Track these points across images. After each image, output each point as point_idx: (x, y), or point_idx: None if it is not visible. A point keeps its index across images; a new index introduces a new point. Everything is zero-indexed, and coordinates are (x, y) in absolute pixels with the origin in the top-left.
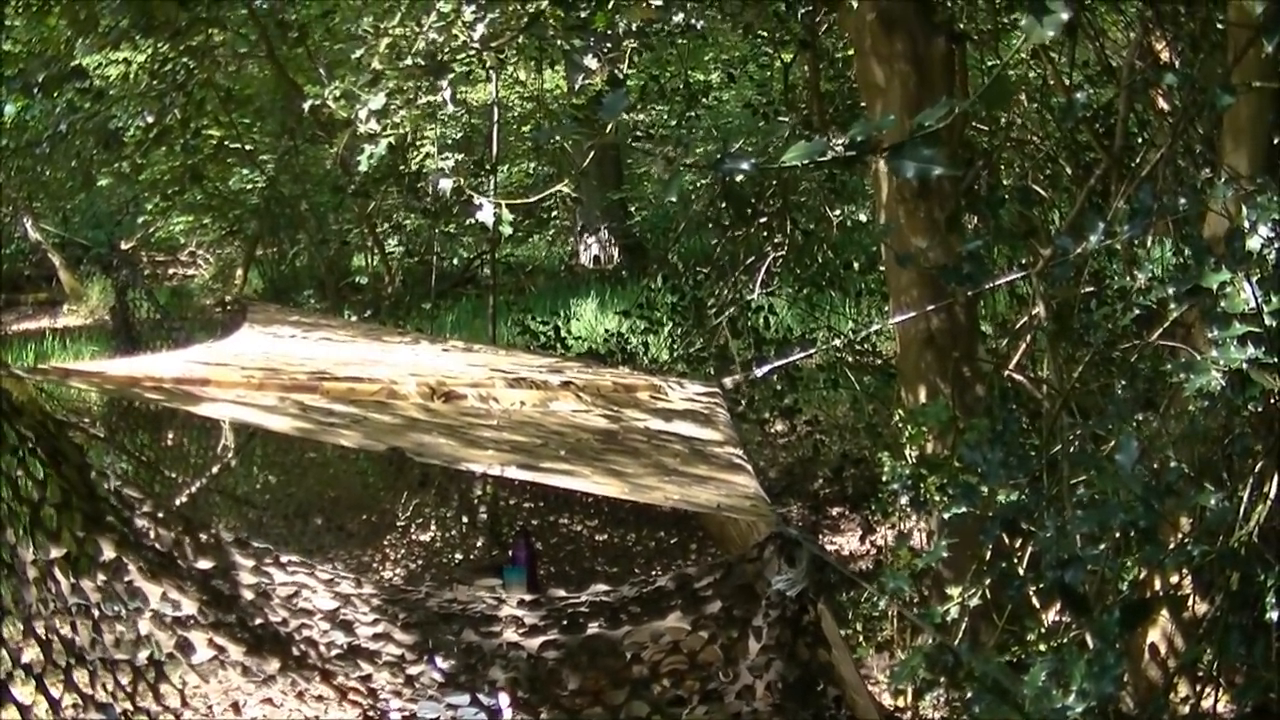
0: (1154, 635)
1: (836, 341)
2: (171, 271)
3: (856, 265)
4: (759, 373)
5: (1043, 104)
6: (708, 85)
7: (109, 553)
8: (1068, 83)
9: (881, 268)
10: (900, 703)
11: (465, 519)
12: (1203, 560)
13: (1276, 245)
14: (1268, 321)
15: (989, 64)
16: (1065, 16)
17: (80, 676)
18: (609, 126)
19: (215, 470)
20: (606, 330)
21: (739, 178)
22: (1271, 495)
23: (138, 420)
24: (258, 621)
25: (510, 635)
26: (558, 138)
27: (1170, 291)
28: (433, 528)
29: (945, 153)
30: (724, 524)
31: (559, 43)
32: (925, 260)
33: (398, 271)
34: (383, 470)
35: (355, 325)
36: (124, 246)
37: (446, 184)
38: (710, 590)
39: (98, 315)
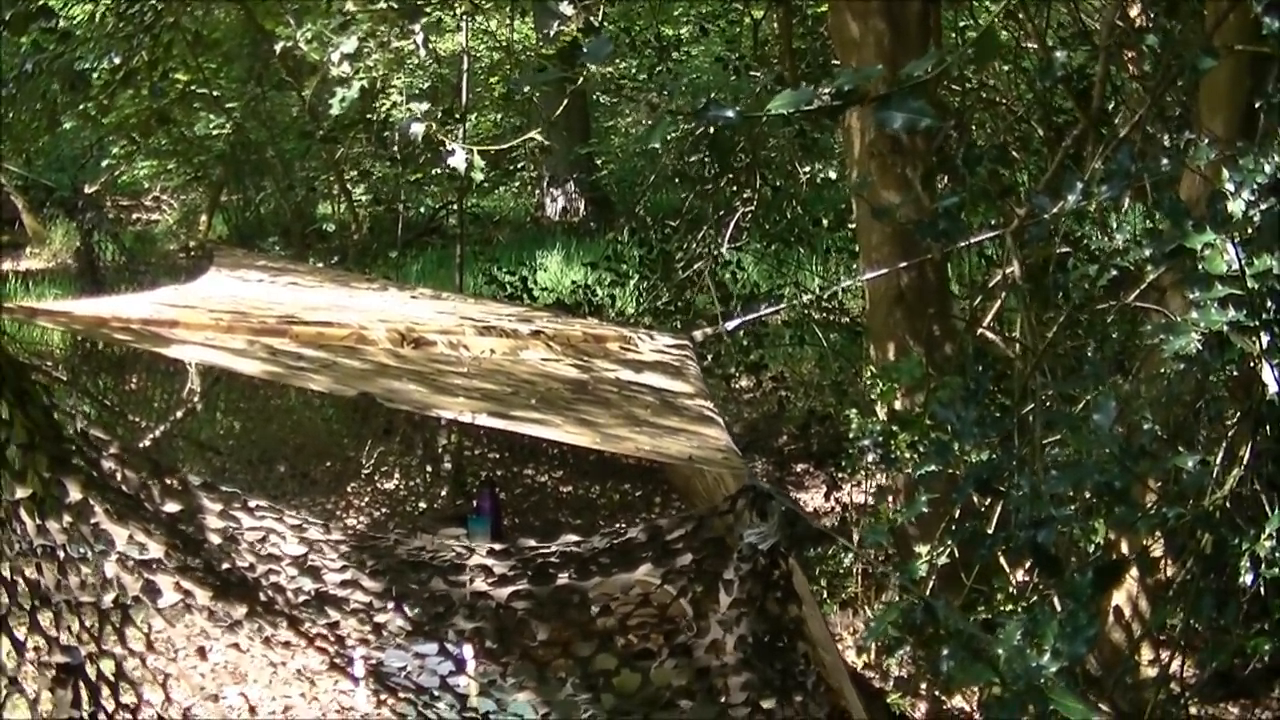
0: (1119, 598)
1: (805, 298)
2: (135, 216)
3: (825, 222)
4: (728, 327)
5: (1015, 65)
6: (678, 39)
7: (75, 494)
8: (1046, 43)
9: (851, 225)
10: (863, 660)
11: (430, 468)
12: (1176, 523)
13: (1261, 208)
14: (1250, 284)
15: (961, 24)
16: None
17: (45, 619)
18: (586, 73)
19: (180, 415)
20: (573, 282)
21: (719, 127)
22: (1245, 459)
23: (101, 363)
24: (225, 566)
25: (479, 584)
26: (528, 87)
27: (1149, 253)
28: (397, 476)
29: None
30: (690, 477)
31: None
32: (899, 216)
33: (365, 219)
34: (347, 418)
35: (323, 271)
36: (88, 190)
37: (418, 129)
38: (681, 543)
39: (61, 259)
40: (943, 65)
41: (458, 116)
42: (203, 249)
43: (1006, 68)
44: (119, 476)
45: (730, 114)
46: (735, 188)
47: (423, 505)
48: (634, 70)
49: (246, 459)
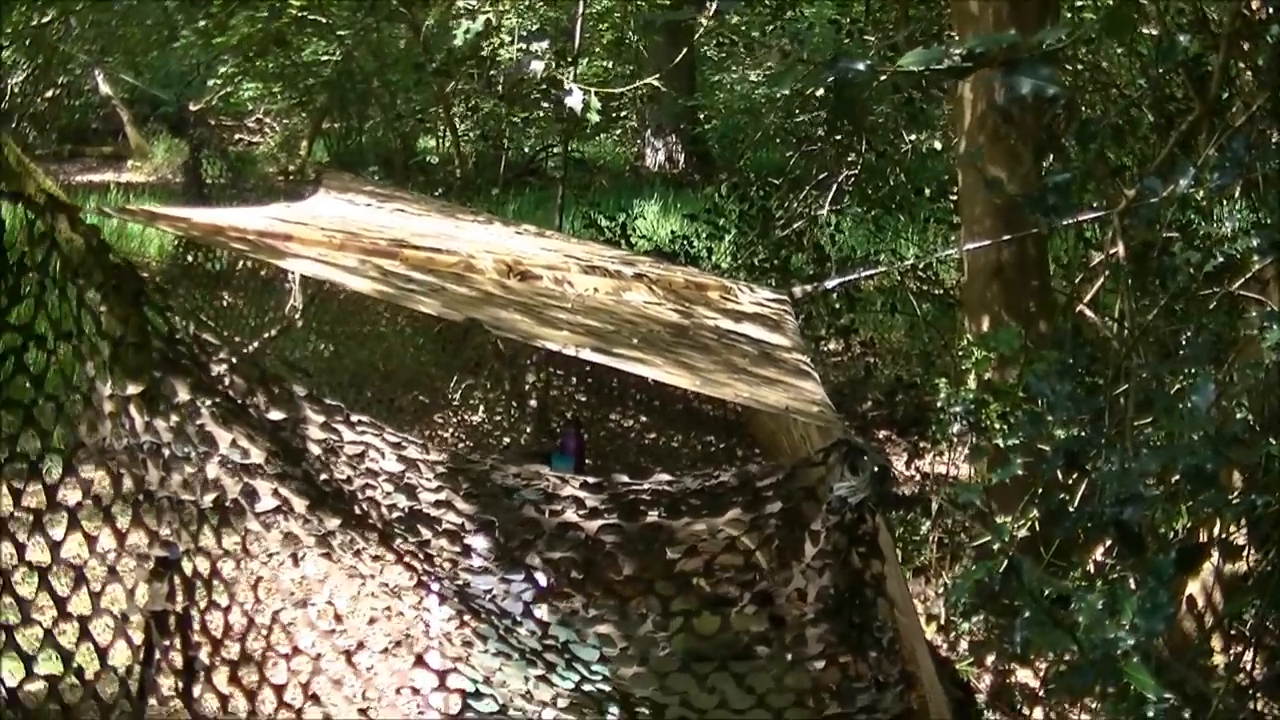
0: (1193, 587)
1: (901, 265)
2: (237, 138)
3: (927, 191)
4: (827, 285)
5: (1130, 48)
6: None
7: (183, 395)
8: (1167, 26)
9: (952, 196)
10: (933, 628)
11: (515, 405)
12: (1263, 511)
13: None
14: None
15: (1078, 4)
16: None
17: (147, 513)
18: (705, 20)
19: (274, 332)
20: (671, 232)
21: (845, 83)
22: None
23: (197, 278)
24: (323, 478)
25: (570, 515)
26: (637, 36)
27: (1255, 243)
28: (482, 410)
29: None
30: (775, 433)
31: None
32: (1007, 189)
33: (470, 155)
34: (436, 349)
35: (428, 201)
36: (193, 108)
37: (537, 66)
38: (771, 490)
39: (161, 174)
40: (1076, 35)
41: (570, 59)
42: (302, 173)
43: (1120, 50)
44: (226, 381)
45: (860, 67)
46: (839, 151)
47: (506, 440)
48: (745, 26)
49: (336, 382)
